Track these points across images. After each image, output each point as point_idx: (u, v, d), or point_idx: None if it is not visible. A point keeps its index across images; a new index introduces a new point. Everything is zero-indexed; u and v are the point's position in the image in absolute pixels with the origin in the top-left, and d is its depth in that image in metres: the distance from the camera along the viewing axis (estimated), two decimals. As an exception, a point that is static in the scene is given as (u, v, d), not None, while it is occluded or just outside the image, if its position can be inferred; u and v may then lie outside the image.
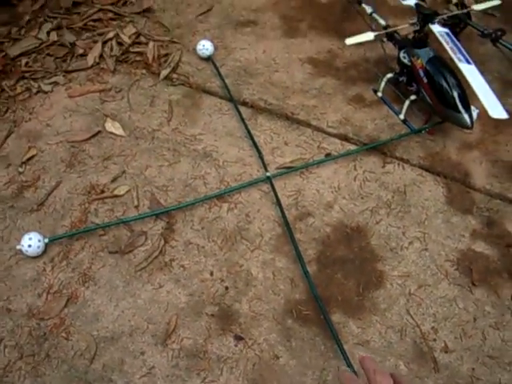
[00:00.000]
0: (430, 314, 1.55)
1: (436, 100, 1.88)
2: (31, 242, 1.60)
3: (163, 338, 1.49)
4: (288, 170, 1.86)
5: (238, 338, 1.49)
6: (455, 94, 1.82)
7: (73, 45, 2.30)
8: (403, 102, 2.04)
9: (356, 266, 1.64)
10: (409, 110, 2.05)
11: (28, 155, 1.92)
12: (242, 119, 2.02)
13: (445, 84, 1.83)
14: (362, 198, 1.81)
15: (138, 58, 2.30)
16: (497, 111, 1.76)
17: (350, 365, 1.40)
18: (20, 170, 1.87)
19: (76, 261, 1.65)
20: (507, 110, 1.74)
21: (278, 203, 1.74)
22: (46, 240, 1.63)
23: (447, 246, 1.70)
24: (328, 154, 1.93)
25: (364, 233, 1.71)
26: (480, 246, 1.71)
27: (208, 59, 2.29)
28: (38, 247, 1.61)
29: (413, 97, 2.03)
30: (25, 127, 2.02)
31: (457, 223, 1.76)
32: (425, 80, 1.89)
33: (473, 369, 1.46)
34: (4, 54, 2.24)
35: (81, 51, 2.29)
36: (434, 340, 1.50)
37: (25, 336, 1.50)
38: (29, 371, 1.44)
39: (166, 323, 1.52)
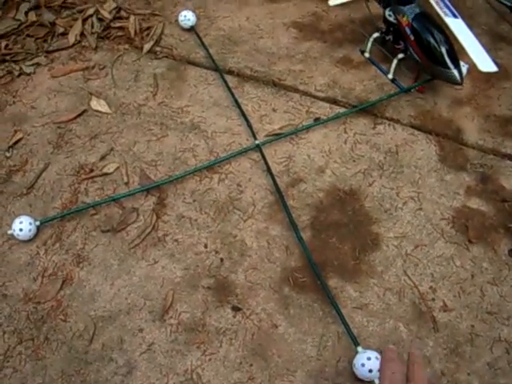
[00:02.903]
0: (427, 274, 1.53)
1: (424, 57, 1.84)
2: (22, 226, 1.58)
3: (161, 314, 1.48)
4: (277, 137, 1.83)
5: (236, 309, 1.48)
6: (443, 50, 1.79)
7: (53, 24, 2.26)
8: (391, 62, 2.01)
9: (351, 230, 1.62)
10: (397, 68, 2.02)
11: (14, 139, 1.90)
12: (229, 88, 1.99)
13: (432, 40, 1.80)
14: (354, 160, 1.79)
15: (119, 34, 2.26)
16: (486, 65, 1.73)
17: (348, 329, 1.38)
18: (7, 154, 1.85)
19: (69, 242, 1.63)
20: (497, 63, 1.70)
21: (269, 171, 1.71)
22: (38, 223, 1.62)
23: (442, 204, 1.68)
24: (317, 119, 1.90)
25: (357, 196, 1.69)
26: (475, 203, 1.69)
27: (191, 30, 2.25)
28: (30, 230, 1.59)
29: (400, 55, 1.99)
30: (9, 111, 2.00)
31: (451, 181, 1.74)
32: (412, 37, 1.86)
33: (472, 326, 1.45)
34: (-18, 37, 2.18)
35: (61, 30, 2.25)
36: (433, 300, 1.49)
37: (23, 320, 1.49)
38: (29, 355, 1.43)
39: (162, 299, 1.51)
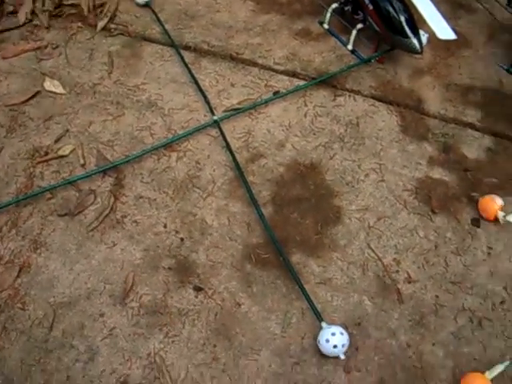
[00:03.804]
0: (391, 246, 1.52)
1: (383, 27, 1.82)
2: (-26, 213, 1.52)
3: (121, 297, 1.45)
4: (236, 112, 1.80)
5: (198, 289, 1.46)
6: (402, 19, 1.77)
7: (1, 2, 2.16)
8: (350, 32, 1.98)
9: (312, 204, 1.60)
10: (356, 39, 2.00)
11: (-36, 123, 1.82)
12: (185, 64, 1.95)
13: (391, 9, 1.77)
14: (314, 133, 1.76)
15: (72, 11, 2.20)
16: (444, 32, 1.71)
17: (312, 305, 1.37)
18: (-43, 139, 1.78)
19: (25, 228, 1.58)
20: (456, 31, 1.68)
21: (228, 147, 1.69)
22: (-9, 210, 1.56)
23: (404, 175, 1.66)
24: (276, 92, 1.87)
25: (318, 169, 1.67)
26: (438, 173, 1.68)
27: (146, 6, 2.19)
28: (-17, 218, 1.53)
29: (360, 25, 1.97)
30: (-42, 95, 1.92)
31: (413, 151, 1.73)
32: (370, 7, 1.83)
33: (437, 296, 1.44)
34: None
35: (11, 8, 2.18)
36: (397, 272, 1.48)
37: (-21, 311, 1.43)
38: (-14, 347, 1.38)
39: (122, 282, 1.48)
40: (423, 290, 1.45)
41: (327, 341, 1.30)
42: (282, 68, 1.96)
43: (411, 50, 1.81)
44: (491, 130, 1.83)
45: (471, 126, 1.82)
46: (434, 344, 1.37)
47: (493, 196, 1.57)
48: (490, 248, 1.54)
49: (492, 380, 1.29)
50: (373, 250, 1.52)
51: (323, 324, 1.35)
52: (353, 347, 1.36)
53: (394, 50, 1.94)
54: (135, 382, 1.32)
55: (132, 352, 1.36)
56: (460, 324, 1.40)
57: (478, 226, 1.57)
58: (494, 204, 1.54)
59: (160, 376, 1.31)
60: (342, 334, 1.31)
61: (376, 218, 1.57)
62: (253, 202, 1.56)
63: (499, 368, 1.30)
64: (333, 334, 1.30)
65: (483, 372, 1.29)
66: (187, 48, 2.05)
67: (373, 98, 1.88)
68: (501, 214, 1.53)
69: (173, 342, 1.38)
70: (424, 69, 1.98)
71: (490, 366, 1.32)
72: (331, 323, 1.37)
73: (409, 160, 1.70)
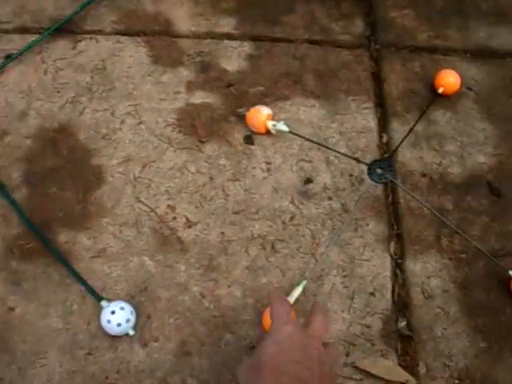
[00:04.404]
0: (162, 193, 1.38)
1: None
2: None
3: None
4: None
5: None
6: None
7: None
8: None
9: (70, 172, 1.43)
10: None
11: None
12: None
13: None
14: (59, 91, 1.56)
15: None
16: None
17: (85, 284, 1.21)
18: None
19: None
20: None
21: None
22: None
23: (163, 109, 1.51)
24: (8, 56, 1.62)
25: (69, 131, 1.49)
26: (199, 97, 1.54)
27: None
28: None
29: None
30: None
31: (169, 81, 1.57)
32: None
33: (222, 233, 1.32)
34: None
35: None
36: (174, 219, 1.34)
37: None
38: None
39: None
40: (206, 231, 1.33)
41: (109, 321, 1.17)
42: (10, 27, 1.70)
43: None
44: (250, 34, 1.70)
45: (228, 35, 1.68)
46: (229, 286, 1.26)
47: (258, 107, 1.45)
48: (269, 163, 1.43)
49: (295, 303, 1.22)
50: (143, 203, 1.36)
51: (103, 303, 1.20)
52: (144, 316, 1.22)
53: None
54: None
55: None
56: (253, 255, 1.30)
57: (252, 143, 1.45)
58: (260, 115, 1.42)
59: None
60: (122, 308, 1.17)
61: (141, 166, 1.41)
62: (0, 188, 1.34)
63: (298, 290, 1.23)
64: (112, 313, 1.17)
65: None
66: None
67: (117, 34, 1.69)
68: (270, 124, 1.40)
69: None
70: (170, -13, 1.78)
71: (292, 289, 1.24)
72: (114, 299, 1.21)
73: (165, 92, 1.54)
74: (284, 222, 1.33)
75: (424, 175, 1.45)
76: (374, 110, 1.58)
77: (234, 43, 1.66)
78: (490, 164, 1.49)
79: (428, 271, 1.31)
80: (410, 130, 1.45)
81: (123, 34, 1.68)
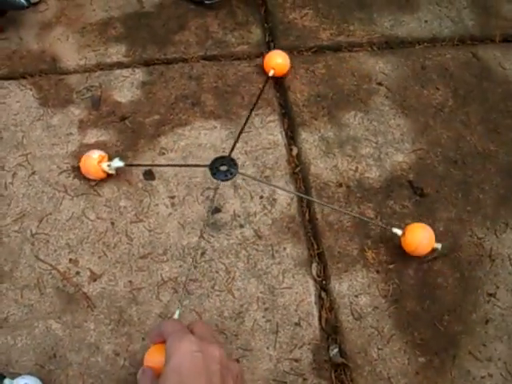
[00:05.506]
0: (62, 247, 1.29)
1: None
2: None
3: None
4: None
5: None
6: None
7: None
8: None
9: (-38, 238, 1.30)
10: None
11: None
12: None
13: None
14: None
15: None
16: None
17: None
18: None
19: None
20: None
21: None
22: None
23: (56, 155, 1.42)
24: None
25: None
26: (93, 136, 1.47)
27: None
28: None
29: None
30: None
31: (59, 123, 1.49)
32: None
33: (130, 281, 1.25)
34: None
35: None
36: (78, 273, 1.26)
37: None
38: None
39: None
40: (113, 282, 1.25)
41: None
42: None
43: (17, 6, 1.51)
44: (141, 60, 1.64)
45: (118, 64, 1.61)
46: (144, 338, 1.18)
47: (88, 153, 1.35)
48: (172, 197, 1.37)
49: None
50: (43, 261, 1.27)
51: (6, 382, 1.09)
52: (57, 386, 1.12)
53: (4, 13, 1.62)
54: None
55: None
56: (165, 301, 1.23)
57: (153, 178, 1.38)
58: (92, 160, 1.32)
59: None
60: (24, 386, 1.07)
61: (37, 220, 1.32)
62: None
63: (176, 315, 1.14)
64: (10, 392, 1.06)
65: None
66: None
67: (1, 79, 1.56)
68: (105, 166, 1.32)
69: None
70: (52, 20, 1.72)
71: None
72: (21, 372, 1.13)
73: (57, 135, 1.46)
74: (195, 260, 1.25)
75: (340, 185, 1.39)
76: (281, 122, 1.51)
77: (126, 71, 1.58)
78: (410, 162, 1.44)
79: (355, 289, 1.25)
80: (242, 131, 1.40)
81: (7, 79, 1.57)
